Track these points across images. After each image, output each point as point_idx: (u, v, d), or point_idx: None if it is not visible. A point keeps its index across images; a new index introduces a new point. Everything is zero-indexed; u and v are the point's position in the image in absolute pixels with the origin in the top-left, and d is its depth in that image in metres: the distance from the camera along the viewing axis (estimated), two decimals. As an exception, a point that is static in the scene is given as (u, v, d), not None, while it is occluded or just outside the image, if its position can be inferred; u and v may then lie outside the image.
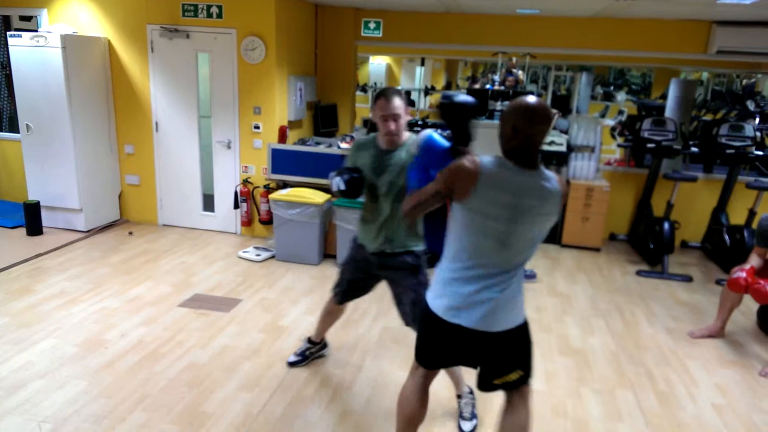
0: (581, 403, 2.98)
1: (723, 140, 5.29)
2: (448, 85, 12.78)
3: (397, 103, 2.47)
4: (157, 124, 5.52)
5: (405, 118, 2.53)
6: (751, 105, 8.30)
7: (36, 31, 5.05)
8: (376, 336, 3.61)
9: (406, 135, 2.58)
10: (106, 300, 3.93)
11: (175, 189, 5.66)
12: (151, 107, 5.48)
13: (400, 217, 2.50)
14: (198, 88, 5.38)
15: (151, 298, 3.99)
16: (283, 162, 5.12)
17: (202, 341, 3.42)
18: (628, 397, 3.05)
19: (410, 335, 3.61)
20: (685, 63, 8.77)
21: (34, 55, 4.96)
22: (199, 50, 5.26)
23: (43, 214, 5.31)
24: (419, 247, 2.62)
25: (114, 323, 3.59)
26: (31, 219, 5.19)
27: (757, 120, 7.15)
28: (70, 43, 4.97)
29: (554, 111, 5.96)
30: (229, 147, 5.42)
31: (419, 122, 6.58)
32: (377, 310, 3.98)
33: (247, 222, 5.47)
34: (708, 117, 8.98)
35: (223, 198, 5.56)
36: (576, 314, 4.14)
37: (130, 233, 5.45)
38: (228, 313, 3.81)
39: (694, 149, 5.64)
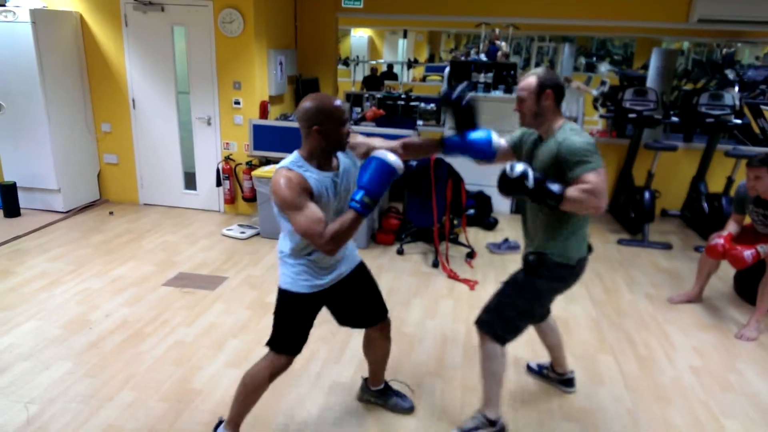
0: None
1: (703, 109, 5.33)
2: (431, 58, 12.66)
3: (524, 82, 2.20)
4: (134, 101, 5.40)
5: (535, 101, 2.17)
6: (730, 74, 8.36)
7: (4, 5, 4.86)
8: (363, 310, 3.63)
9: (559, 123, 2.19)
10: (88, 281, 3.89)
11: (155, 167, 5.58)
12: (128, 84, 5.35)
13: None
14: (175, 63, 5.26)
15: (134, 278, 3.96)
16: (265, 138, 5.06)
17: (188, 319, 3.41)
18: (608, 362, 3.13)
19: (395, 310, 3.65)
20: (666, 32, 8.78)
21: (2, 31, 4.79)
22: (175, 24, 5.12)
23: (20, 195, 5.20)
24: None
25: (97, 304, 3.56)
26: (8, 200, 5.09)
27: (737, 89, 7.21)
28: (41, 18, 4.81)
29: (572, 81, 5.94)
30: (209, 123, 5.33)
31: (402, 96, 6.52)
32: (363, 285, 4.01)
33: (231, 200, 5.43)
34: (689, 87, 9.04)
35: (205, 176, 5.50)
36: (559, 284, 4.20)
37: (111, 213, 5.38)
38: (213, 291, 3.81)
39: (674, 119, 5.68)
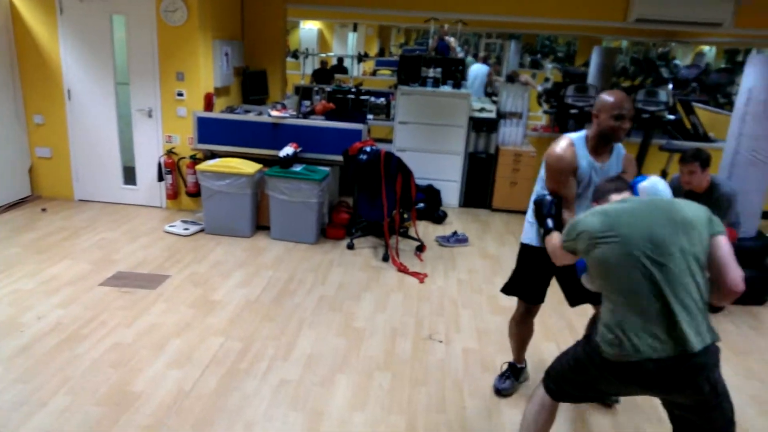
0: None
1: (639, 105, 5.56)
2: (381, 52, 12.67)
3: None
4: (69, 91, 5.13)
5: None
6: (665, 72, 8.77)
7: None
8: (313, 305, 3.60)
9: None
10: (19, 281, 3.67)
11: (92, 161, 5.32)
12: (62, 74, 5.07)
13: None
14: (114, 53, 5.02)
15: (69, 278, 3.76)
16: (210, 131, 4.91)
17: (127, 320, 3.27)
18: (551, 349, 3.23)
19: (346, 303, 3.64)
20: (605, 31, 9.10)
21: None
22: (114, 12, 4.89)
23: (-58, 191, 4.86)
24: None
25: (29, 305, 3.37)
26: (-72, 197, 4.74)
27: (671, 86, 7.56)
28: (-39, 1, 4.49)
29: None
30: (150, 116, 5.13)
31: (352, 89, 6.48)
32: (313, 280, 3.97)
33: (173, 195, 5.24)
34: (627, 83, 9.42)
35: (146, 170, 5.29)
36: (505, 275, 4.24)
37: (43, 210, 5.09)
38: (155, 290, 3.67)
39: (613, 114, 5.89)
